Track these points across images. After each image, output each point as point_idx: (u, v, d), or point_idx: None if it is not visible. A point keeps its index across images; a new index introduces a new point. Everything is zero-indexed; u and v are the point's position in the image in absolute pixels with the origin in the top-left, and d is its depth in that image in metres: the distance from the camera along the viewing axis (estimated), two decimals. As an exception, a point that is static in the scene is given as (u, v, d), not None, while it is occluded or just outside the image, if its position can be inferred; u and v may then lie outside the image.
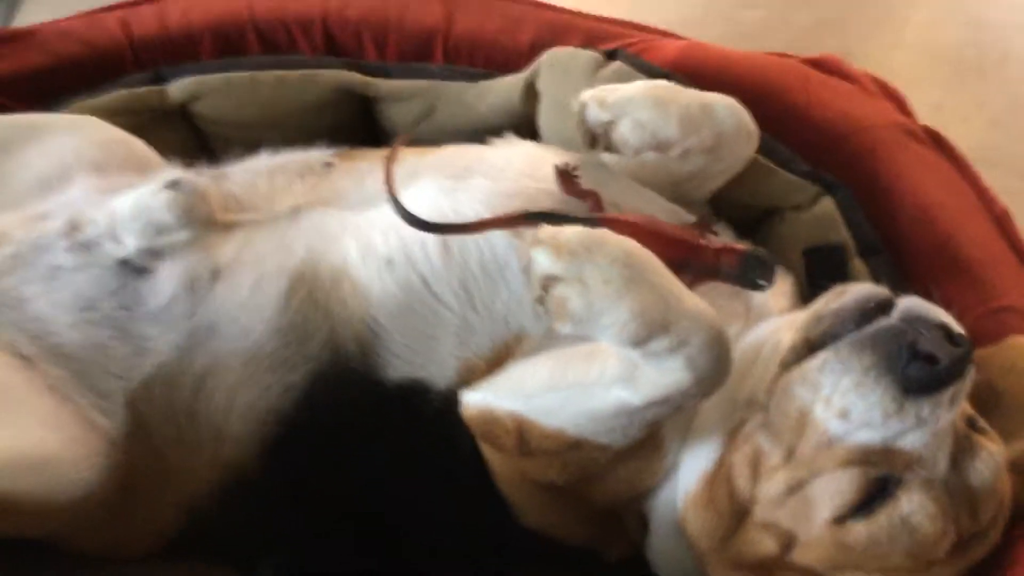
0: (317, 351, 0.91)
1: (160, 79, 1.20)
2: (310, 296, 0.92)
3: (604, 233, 0.79)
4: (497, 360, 0.92)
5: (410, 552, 0.98)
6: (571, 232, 0.78)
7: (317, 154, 1.05)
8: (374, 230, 0.94)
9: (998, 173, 1.32)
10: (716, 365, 0.79)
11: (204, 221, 0.94)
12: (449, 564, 0.98)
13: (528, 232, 0.83)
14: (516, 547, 0.96)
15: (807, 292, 1.02)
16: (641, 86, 1.00)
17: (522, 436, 0.88)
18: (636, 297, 0.77)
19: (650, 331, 0.77)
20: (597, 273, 0.77)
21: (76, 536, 0.92)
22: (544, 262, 0.78)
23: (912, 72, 1.59)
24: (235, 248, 0.94)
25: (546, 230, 0.79)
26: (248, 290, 0.92)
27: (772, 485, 0.83)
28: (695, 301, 0.80)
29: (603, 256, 0.77)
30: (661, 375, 0.79)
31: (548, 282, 0.78)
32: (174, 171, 0.99)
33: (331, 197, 0.99)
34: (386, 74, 1.22)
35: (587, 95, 1.00)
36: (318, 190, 1.00)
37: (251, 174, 1.02)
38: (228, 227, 0.96)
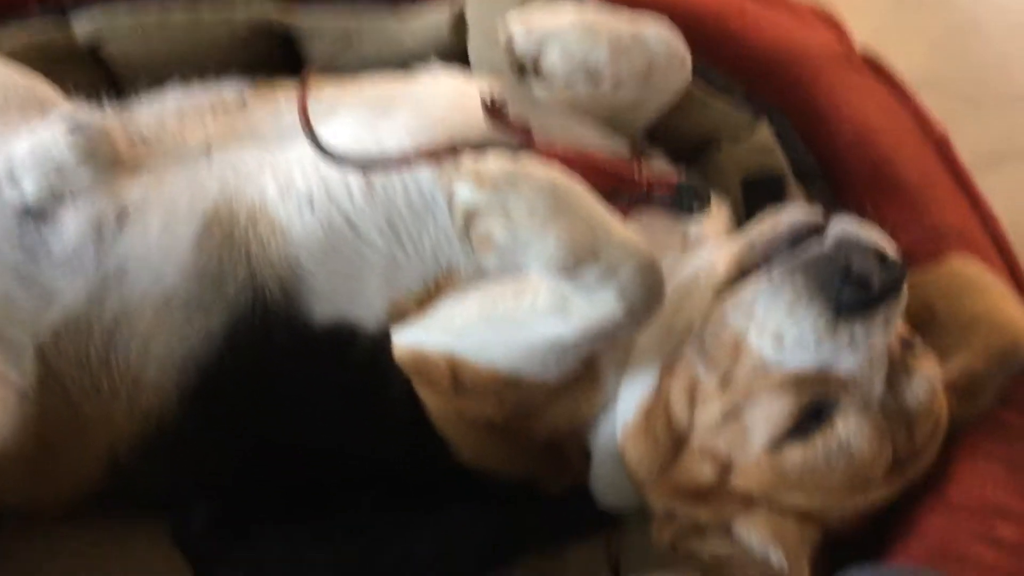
0: (236, 295, 0.87)
1: (63, 14, 1.14)
2: (226, 237, 0.88)
3: (528, 163, 0.77)
4: (428, 298, 0.89)
5: (344, 495, 0.96)
6: (493, 163, 0.76)
7: (231, 89, 1.00)
8: (293, 167, 0.90)
9: (938, 96, 1.32)
10: (647, 293, 0.77)
11: (108, 161, 0.89)
12: (383, 504, 0.97)
13: (447, 164, 0.80)
14: (454, 484, 0.94)
15: (746, 221, 1.01)
16: (570, 13, 0.96)
17: (455, 374, 0.86)
18: (562, 226, 0.75)
19: (578, 260, 0.75)
20: (521, 203, 0.74)
21: None
22: (466, 194, 0.75)
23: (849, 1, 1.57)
24: (143, 189, 0.89)
25: (468, 162, 0.76)
26: (158, 232, 0.87)
27: (708, 412, 0.83)
28: (624, 230, 0.78)
29: (527, 186, 0.75)
30: (592, 305, 0.77)
31: (471, 215, 0.76)
32: (75, 110, 0.93)
33: (247, 133, 0.94)
34: (305, 9, 1.16)
35: (514, 23, 0.96)
36: (232, 126, 0.95)
37: (160, 112, 0.96)
38: (135, 167, 0.91)
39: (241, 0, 1.15)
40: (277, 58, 1.19)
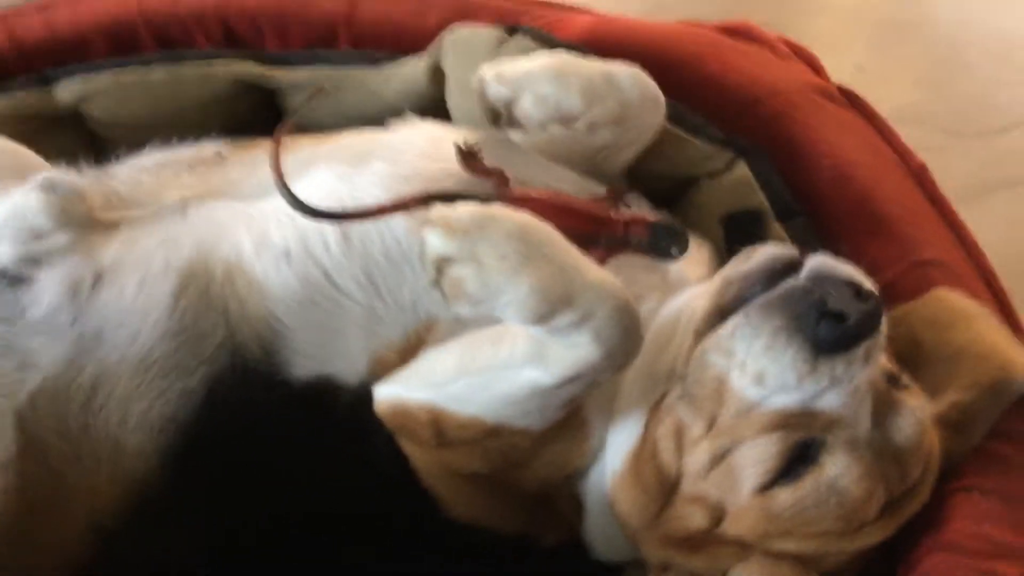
0: (214, 353, 0.86)
1: (46, 82, 1.15)
2: (202, 295, 0.87)
3: (498, 209, 0.76)
4: (409, 350, 0.88)
5: (335, 556, 0.94)
6: (463, 210, 0.75)
7: (208, 146, 1.00)
8: (269, 221, 0.90)
9: (921, 129, 1.32)
10: (624, 336, 0.76)
11: (83, 222, 0.89)
12: (378, 565, 0.95)
13: (421, 214, 0.80)
14: (446, 541, 0.93)
15: (727, 259, 1.00)
16: (541, 59, 0.97)
17: (438, 427, 0.84)
18: (534, 272, 0.74)
19: (552, 306, 0.74)
20: (492, 250, 0.74)
21: None
22: (436, 243, 0.75)
23: (833, 36, 1.59)
24: (118, 248, 0.89)
25: (437, 210, 0.76)
26: (133, 292, 0.87)
27: (696, 457, 0.81)
28: (599, 273, 0.77)
29: (497, 232, 0.74)
30: (569, 351, 0.76)
31: (443, 263, 0.75)
32: (49, 172, 0.93)
33: (223, 188, 0.94)
34: (286, 63, 1.18)
35: (486, 71, 0.96)
36: (208, 181, 0.95)
37: (137, 170, 0.97)
38: (111, 227, 0.91)
39: (222, 58, 1.17)
40: (258, 115, 1.20)
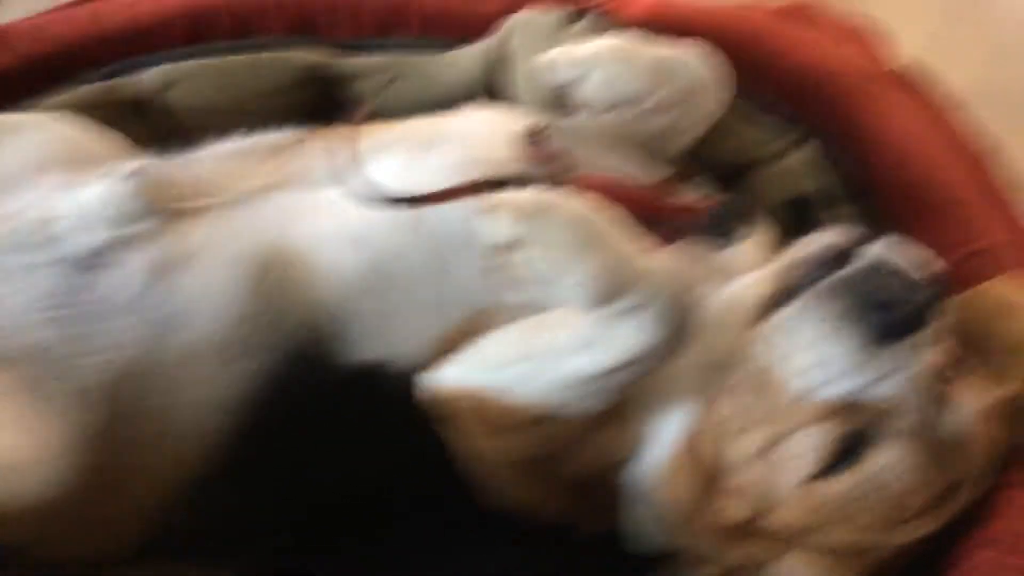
0: (286, 337, 0.89)
1: (131, 70, 1.20)
2: (277, 280, 0.90)
3: (561, 195, 0.78)
4: (464, 338, 0.90)
5: (379, 541, 0.95)
6: (526, 196, 0.78)
7: (287, 134, 1.03)
8: (329, 212, 0.93)
9: (993, 108, 1.29)
10: (679, 324, 0.78)
11: (170, 208, 0.93)
12: (421, 549, 0.96)
13: (488, 198, 0.82)
14: (486, 528, 0.94)
15: (788, 244, 1.00)
16: (607, 41, 0.98)
17: (484, 415, 0.86)
18: (594, 259, 0.76)
19: (612, 291, 0.76)
20: (554, 236, 0.76)
21: (40, 543, 0.89)
22: (499, 227, 0.77)
23: (900, 12, 1.55)
24: (201, 234, 0.93)
25: (500, 195, 0.78)
26: (213, 276, 0.90)
27: (742, 448, 0.82)
28: (657, 261, 0.79)
29: (559, 218, 0.76)
30: (624, 337, 0.78)
31: (505, 248, 0.78)
32: (141, 160, 0.98)
33: (299, 176, 0.98)
34: (359, 49, 1.21)
35: (552, 53, 0.98)
36: (286, 170, 0.98)
37: (219, 158, 1.00)
38: (195, 213, 0.95)
39: (296, 45, 1.21)
40: (317, 104, 1.23)
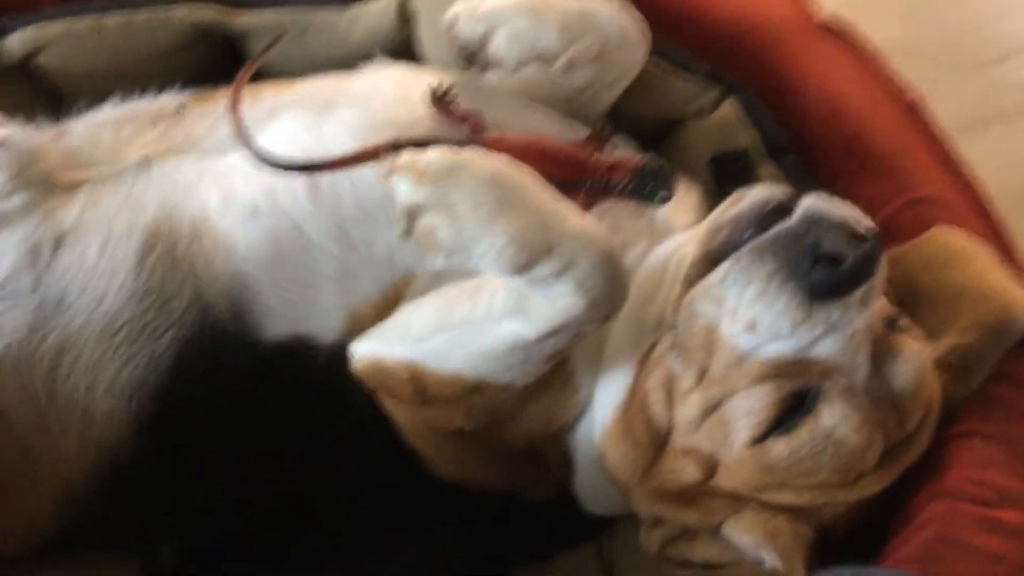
0: (182, 315, 0.82)
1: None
2: (168, 255, 0.83)
3: (470, 154, 0.72)
4: (386, 305, 0.84)
5: (317, 519, 0.91)
6: (433, 156, 0.71)
7: (169, 98, 0.95)
8: (235, 175, 0.85)
9: (914, 62, 1.27)
10: (608, 286, 0.73)
11: (41, 182, 0.85)
12: (361, 528, 0.92)
13: (391, 161, 0.75)
14: (432, 500, 0.89)
15: (717, 201, 0.96)
16: None
17: (418, 384, 0.81)
18: (511, 219, 0.70)
19: (531, 255, 0.70)
20: (465, 197, 0.70)
21: None
22: (405, 191, 0.70)
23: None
24: (79, 209, 0.84)
25: (405, 156, 0.71)
26: (96, 255, 0.83)
27: (687, 409, 0.78)
28: (580, 220, 0.73)
29: (470, 178, 0.70)
30: (551, 303, 0.73)
31: (413, 213, 0.71)
32: (4, 129, 0.88)
33: (185, 143, 0.90)
34: (247, 5, 1.11)
35: (457, 7, 0.91)
36: (170, 137, 0.90)
37: (95, 127, 0.91)
38: (71, 187, 0.86)
39: (180, 2, 1.11)
40: (221, 62, 1.14)
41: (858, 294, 0.72)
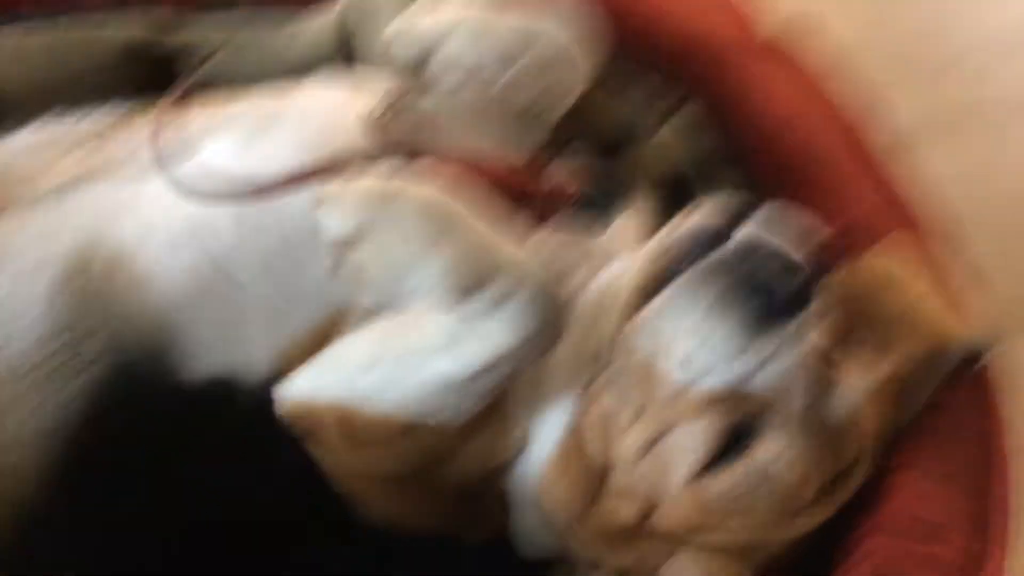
0: (96, 355, 0.79)
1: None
2: (81, 291, 0.79)
3: (400, 183, 0.70)
4: (317, 342, 0.81)
5: (244, 568, 0.86)
6: (361, 186, 0.69)
7: (92, 121, 0.91)
8: (153, 205, 0.82)
9: (870, 64, 1.25)
10: (543, 322, 0.71)
11: None
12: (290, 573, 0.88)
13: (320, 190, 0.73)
14: (361, 546, 0.85)
15: (663, 221, 0.95)
16: (451, 14, 0.89)
17: (347, 427, 0.78)
18: (442, 253, 0.68)
19: (463, 290, 0.68)
20: (394, 229, 0.68)
21: None
22: (332, 224, 0.68)
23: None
24: None
25: (332, 187, 0.69)
26: (12, 287, 0.79)
27: (625, 447, 0.76)
28: (517, 251, 0.71)
29: (400, 208, 0.68)
30: (483, 339, 0.71)
31: (342, 246, 0.68)
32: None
33: (106, 169, 0.86)
34: (179, 26, 1.08)
35: (391, 29, 0.89)
36: (89, 161, 0.86)
37: (11, 153, 0.88)
38: None
39: (110, 22, 1.07)
40: (156, 80, 1.10)
41: (792, 326, 0.71)
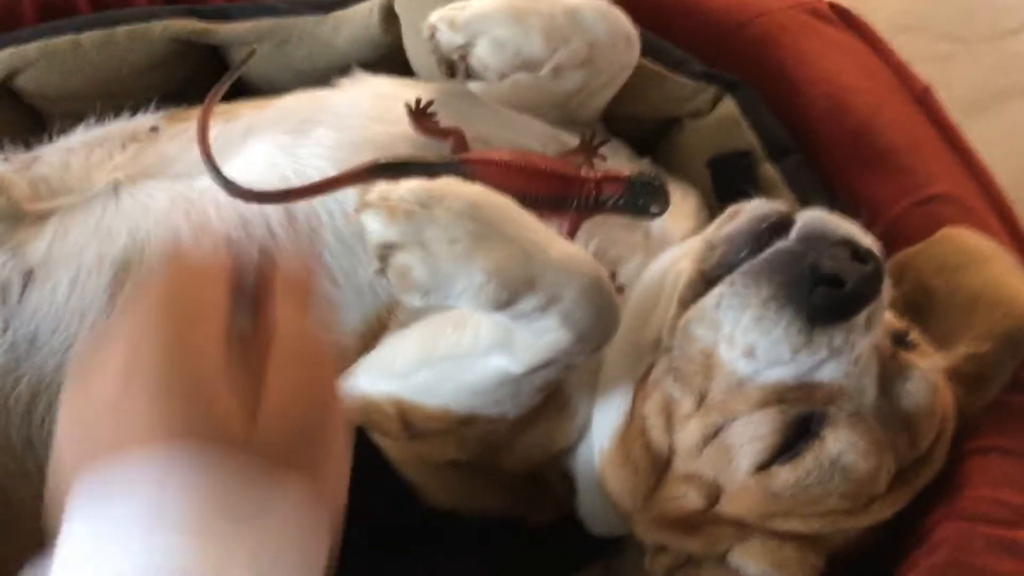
0: None
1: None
2: None
3: (445, 184, 0.68)
4: (371, 335, 0.81)
5: None
6: (404, 189, 0.67)
7: (143, 118, 0.92)
8: (207, 203, 0.82)
9: (923, 39, 1.21)
10: (597, 317, 0.69)
11: (7, 214, 0.82)
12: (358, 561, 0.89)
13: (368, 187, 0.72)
14: (428, 530, 0.87)
15: (716, 207, 0.91)
16: (494, 1, 0.87)
17: (405, 420, 0.78)
18: (489, 255, 0.66)
19: (512, 292, 0.66)
20: (439, 233, 0.66)
21: None
22: (377, 228, 0.66)
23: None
24: (47, 242, 0.82)
25: (376, 191, 0.67)
26: (66, 291, 0.80)
27: (687, 434, 0.74)
28: (564, 248, 0.69)
29: (444, 212, 0.66)
30: (537, 337, 0.69)
31: (386, 250, 0.67)
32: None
33: (157, 166, 0.86)
34: (226, 16, 1.07)
35: (435, 16, 0.86)
36: (141, 160, 0.87)
37: (66, 151, 0.88)
38: (41, 218, 0.83)
39: (158, 17, 1.07)
40: (205, 74, 1.10)
41: (861, 317, 0.67)
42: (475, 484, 0.84)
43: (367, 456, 0.82)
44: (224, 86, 0.82)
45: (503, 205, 0.68)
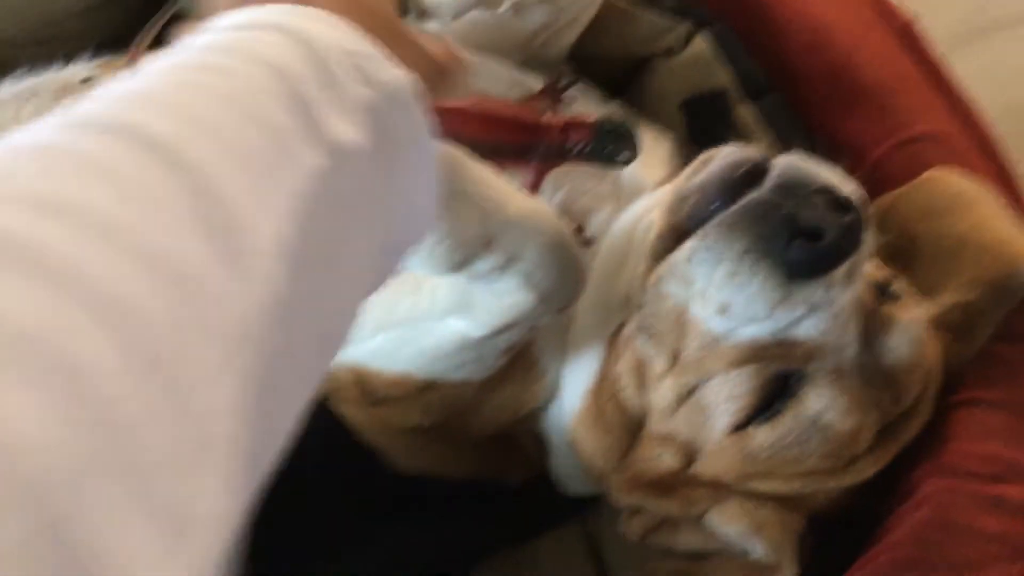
0: None
1: None
2: None
3: None
4: None
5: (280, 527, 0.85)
6: None
7: (76, 68, 0.86)
8: None
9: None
10: (560, 277, 0.65)
11: None
12: (325, 529, 0.86)
13: None
14: (394, 496, 0.84)
15: (691, 153, 0.87)
16: None
17: (365, 386, 0.75)
18: (445, 213, 0.61)
19: (468, 252, 0.62)
20: None
21: None
22: None
23: None
24: None
25: None
26: None
27: (661, 394, 0.71)
28: (524, 203, 0.64)
29: None
30: (497, 299, 0.65)
31: None
32: None
33: None
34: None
35: (386, -50, 0.80)
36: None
37: (-7, 107, 0.83)
38: None
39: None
40: (146, 21, 1.04)
41: (841, 270, 0.63)
42: (443, 447, 0.82)
43: (330, 426, 0.78)
44: (156, 26, 0.76)
45: (459, 159, 0.63)
